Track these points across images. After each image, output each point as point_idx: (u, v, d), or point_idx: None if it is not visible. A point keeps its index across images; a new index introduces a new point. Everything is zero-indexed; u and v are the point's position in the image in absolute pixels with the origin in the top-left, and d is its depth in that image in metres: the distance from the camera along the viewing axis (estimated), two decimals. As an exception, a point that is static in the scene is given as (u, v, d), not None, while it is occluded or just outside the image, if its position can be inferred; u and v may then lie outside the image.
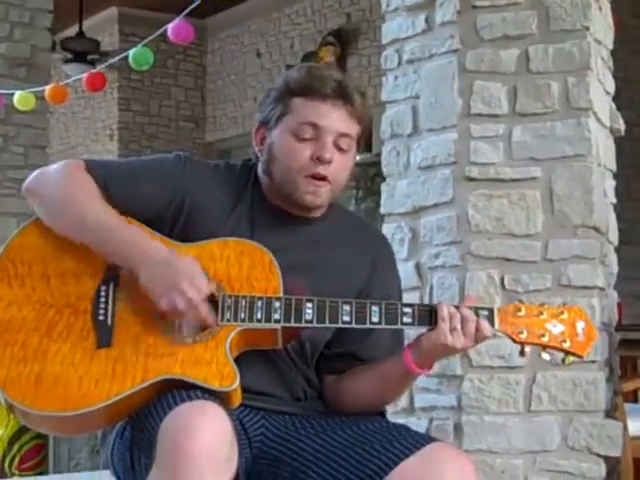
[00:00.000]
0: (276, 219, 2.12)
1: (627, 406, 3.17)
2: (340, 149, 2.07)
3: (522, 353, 1.99)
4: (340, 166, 2.07)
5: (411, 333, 2.17)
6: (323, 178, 2.06)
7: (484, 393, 2.90)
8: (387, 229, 3.18)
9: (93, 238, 1.98)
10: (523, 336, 1.96)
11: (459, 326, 1.94)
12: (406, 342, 2.08)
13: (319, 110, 2.04)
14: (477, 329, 1.95)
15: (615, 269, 3.12)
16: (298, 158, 2.05)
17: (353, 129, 2.09)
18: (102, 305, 1.96)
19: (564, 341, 1.96)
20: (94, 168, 2.07)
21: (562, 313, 1.98)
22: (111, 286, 1.98)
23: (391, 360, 2.08)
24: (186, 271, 1.91)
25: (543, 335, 1.96)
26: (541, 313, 1.98)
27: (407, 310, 1.98)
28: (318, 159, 2.04)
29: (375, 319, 1.96)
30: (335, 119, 2.05)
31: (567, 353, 1.98)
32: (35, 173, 2.11)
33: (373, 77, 7.90)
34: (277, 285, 1.98)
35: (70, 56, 8.84)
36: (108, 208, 2.01)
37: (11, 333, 1.93)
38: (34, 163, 6.53)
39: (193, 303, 1.89)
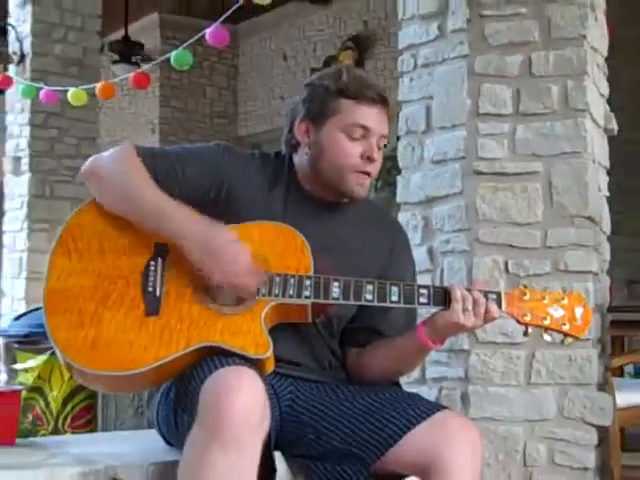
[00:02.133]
0: (308, 205, 2.12)
1: (614, 380, 3.15)
2: (379, 147, 2.09)
3: (526, 333, 1.99)
4: (379, 163, 2.11)
5: (423, 312, 2.17)
6: (369, 174, 2.08)
7: (489, 366, 2.88)
8: (402, 217, 3.16)
9: (148, 216, 1.97)
10: (527, 318, 1.96)
11: (470, 307, 1.93)
12: (420, 320, 2.07)
13: (369, 113, 2.06)
14: (486, 311, 1.95)
15: (608, 256, 3.09)
16: (351, 156, 2.06)
17: (388, 130, 2.12)
18: (151, 278, 1.97)
19: (564, 324, 1.96)
20: (143, 153, 2.06)
21: (563, 299, 1.98)
22: (159, 261, 1.98)
23: (407, 336, 2.08)
24: (229, 244, 1.91)
25: (545, 318, 1.96)
26: (544, 298, 1.98)
27: (423, 291, 1.97)
28: (368, 158, 2.06)
29: (394, 298, 1.96)
30: (380, 122, 2.08)
31: (566, 335, 1.98)
32: (91, 158, 2.11)
33: (387, 79, 7.85)
34: (308, 265, 1.98)
35: (117, 57, 8.83)
36: (157, 189, 2.00)
37: (70, 301, 1.94)
38: (86, 153, 6.54)
39: (237, 273, 1.89)
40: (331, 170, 2.07)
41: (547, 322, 1.96)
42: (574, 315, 1.97)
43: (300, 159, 2.14)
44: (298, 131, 2.12)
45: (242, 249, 1.92)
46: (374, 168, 2.08)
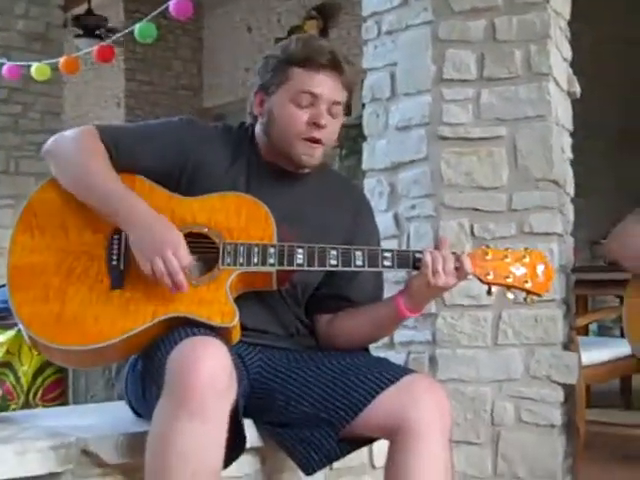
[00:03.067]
0: (270, 175, 2.11)
1: (580, 339, 3.18)
2: (332, 114, 2.06)
3: (489, 292, 1.99)
4: (332, 130, 2.08)
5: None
6: (317, 141, 2.06)
7: (456, 329, 2.89)
8: (368, 184, 3.15)
9: (95, 200, 1.97)
10: (490, 277, 1.96)
11: (440, 268, 1.93)
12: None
13: (316, 80, 2.04)
14: (460, 267, 1.94)
15: (572, 217, 3.11)
16: (297, 123, 2.04)
17: (343, 96, 2.09)
18: (115, 251, 1.96)
19: (526, 282, 1.97)
20: (105, 133, 2.05)
21: (524, 257, 1.98)
22: (123, 234, 1.97)
23: (383, 305, 2.10)
24: (171, 240, 1.89)
25: (508, 277, 1.96)
26: (506, 257, 1.98)
27: (387, 255, 1.98)
28: (315, 124, 2.03)
29: (359, 262, 1.96)
30: (329, 88, 2.05)
31: (529, 293, 1.99)
32: (52, 138, 2.10)
33: (352, 48, 7.81)
34: (272, 234, 1.98)
35: (80, 31, 8.71)
36: (112, 173, 2.00)
37: (34, 277, 1.93)
38: (50, 128, 6.47)
39: (171, 270, 1.86)
40: (280, 138, 2.07)
41: (510, 280, 1.96)
42: (536, 272, 1.97)
43: (258, 130, 2.14)
44: (254, 102, 2.13)
45: (180, 243, 1.90)
46: (324, 135, 2.06)
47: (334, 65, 2.05)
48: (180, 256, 1.87)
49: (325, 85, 2.04)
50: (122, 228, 1.94)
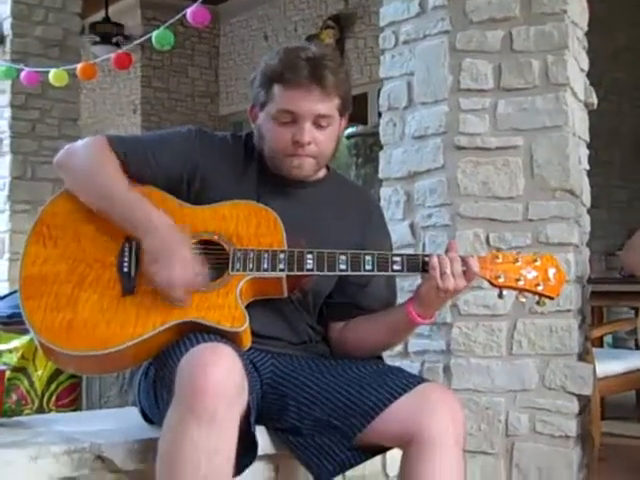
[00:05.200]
0: (278, 184, 2.10)
1: (594, 350, 3.16)
2: (320, 126, 2.03)
3: (500, 296, 1.98)
4: (323, 140, 2.05)
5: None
6: (306, 155, 2.04)
7: (470, 338, 2.88)
8: (384, 192, 3.16)
9: (107, 208, 1.98)
10: (501, 280, 1.95)
11: (448, 270, 1.92)
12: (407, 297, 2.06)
13: (294, 97, 1.99)
14: (467, 268, 1.93)
15: (588, 228, 3.10)
16: (280, 141, 2.03)
17: (331, 107, 2.03)
18: (126, 259, 1.96)
19: (538, 285, 1.95)
20: (115, 143, 2.06)
21: (535, 260, 1.97)
22: (134, 242, 1.97)
23: (396, 312, 2.08)
24: (180, 250, 1.90)
25: (519, 279, 1.95)
26: (516, 260, 1.96)
27: (397, 259, 1.96)
28: (297, 142, 2.01)
29: (368, 267, 1.95)
30: (310, 103, 2.00)
31: (541, 296, 1.96)
32: (64, 149, 2.10)
33: (368, 57, 7.85)
34: (281, 239, 1.98)
35: (97, 38, 8.75)
36: (124, 181, 2.01)
37: (46, 285, 1.93)
38: (67, 134, 6.50)
39: (180, 280, 1.88)
40: (270, 154, 2.07)
41: (521, 283, 1.95)
42: (547, 275, 1.95)
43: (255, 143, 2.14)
44: (250, 116, 2.13)
45: (188, 261, 1.90)
46: (311, 150, 2.03)
47: (314, 78, 1.98)
48: (190, 264, 1.89)
49: (304, 101, 1.99)
50: (134, 237, 1.95)
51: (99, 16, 8.89)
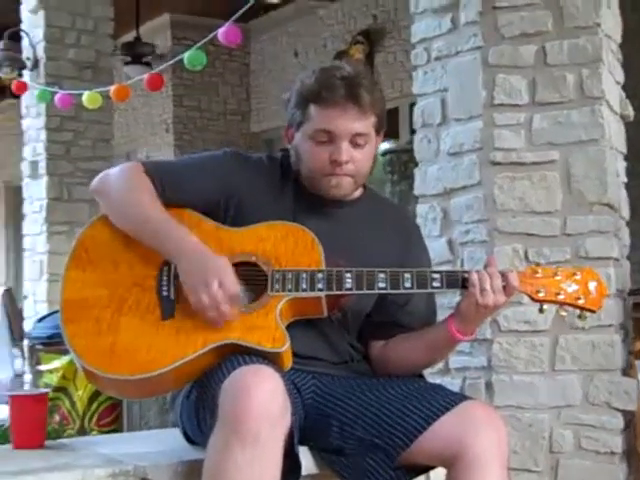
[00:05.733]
0: (315, 204, 2.11)
1: (637, 363, 3.13)
2: (357, 145, 2.04)
3: (541, 310, 1.96)
4: (360, 159, 2.05)
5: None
6: (344, 174, 2.04)
7: (512, 354, 2.87)
8: (420, 209, 3.16)
9: (144, 234, 1.99)
10: (541, 295, 1.94)
11: (488, 287, 1.91)
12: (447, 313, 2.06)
13: (331, 116, 2.00)
14: (506, 283, 1.92)
15: (627, 241, 3.08)
16: (318, 161, 2.04)
17: (367, 125, 2.05)
18: (165, 282, 1.98)
19: (579, 298, 1.93)
20: (150, 169, 2.07)
21: (575, 274, 1.95)
22: (172, 266, 1.98)
23: (437, 329, 2.07)
24: (217, 269, 1.90)
25: (559, 294, 1.93)
26: (556, 274, 1.95)
27: (436, 276, 1.96)
28: (335, 161, 2.02)
29: (408, 284, 1.95)
30: (347, 122, 2.01)
31: (582, 309, 1.95)
32: (100, 175, 2.12)
33: (399, 71, 7.83)
34: (319, 259, 1.98)
35: (128, 59, 8.83)
36: (160, 207, 2.02)
37: (86, 310, 1.95)
38: (101, 155, 6.58)
39: (217, 300, 1.87)
40: (307, 174, 2.08)
41: (562, 297, 1.94)
42: (588, 289, 1.94)
43: (292, 163, 2.15)
44: (286, 137, 2.14)
45: (224, 279, 1.90)
46: (349, 169, 2.04)
47: (350, 97, 1.99)
48: (227, 284, 1.88)
49: (341, 120, 2.00)
50: (171, 260, 1.96)
51: (130, 36, 8.97)
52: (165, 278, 1.98)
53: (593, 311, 1.95)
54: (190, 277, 1.91)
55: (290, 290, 1.94)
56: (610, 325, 2.80)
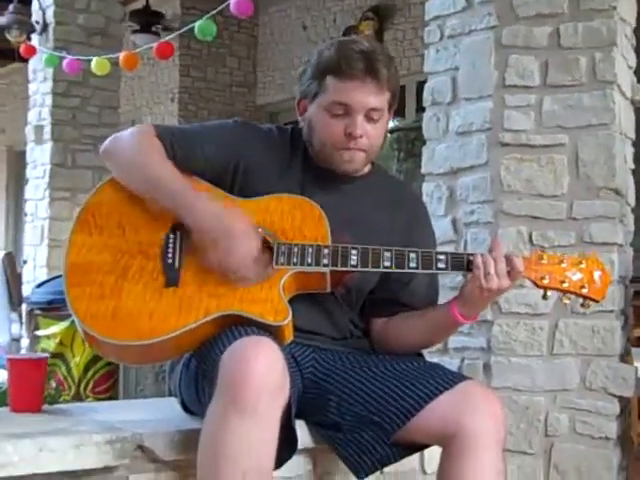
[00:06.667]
0: (323, 178, 2.10)
1: (634, 350, 3.13)
2: (371, 119, 2.03)
3: (544, 297, 1.97)
4: (373, 134, 2.05)
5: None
6: (357, 149, 2.04)
7: (511, 337, 2.87)
8: (427, 188, 3.14)
9: (164, 198, 1.97)
10: (546, 281, 1.94)
11: (492, 270, 1.91)
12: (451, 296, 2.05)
13: (348, 89, 2.00)
14: (511, 268, 1.92)
15: (632, 228, 3.06)
16: (332, 134, 2.03)
17: (382, 100, 2.04)
18: (170, 250, 1.97)
19: (583, 287, 1.94)
20: (163, 133, 2.06)
21: (581, 263, 1.95)
22: (178, 234, 1.98)
23: (439, 310, 2.08)
24: (240, 229, 1.90)
25: (564, 281, 1.94)
26: (562, 262, 1.95)
27: (441, 257, 1.96)
28: (350, 135, 2.01)
29: (413, 264, 1.95)
30: (364, 96, 2.00)
31: (585, 298, 1.95)
32: (110, 138, 2.11)
33: (407, 49, 7.78)
34: (325, 234, 1.98)
35: (137, 27, 8.78)
36: (174, 170, 2.01)
37: (91, 274, 1.95)
38: (107, 122, 6.56)
39: (242, 262, 1.89)
40: (320, 147, 2.07)
41: (566, 285, 1.94)
42: (593, 278, 1.94)
43: (303, 136, 2.13)
44: (298, 109, 2.12)
45: (250, 242, 1.91)
46: (362, 143, 2.03)
47: (369, 71, 1.99)
48: (250, 247, 1.89)
49: (359, 93, 1.99)
50: (186, 221, 1.95)
51: (139, 4, 8.91)
52: (171, 246, 1.97)
53: (597, 300, 1.96)
54: (210, 237, 1.90)
55: (295, 264, 1.94)
56: (611, 311, 2.80)
